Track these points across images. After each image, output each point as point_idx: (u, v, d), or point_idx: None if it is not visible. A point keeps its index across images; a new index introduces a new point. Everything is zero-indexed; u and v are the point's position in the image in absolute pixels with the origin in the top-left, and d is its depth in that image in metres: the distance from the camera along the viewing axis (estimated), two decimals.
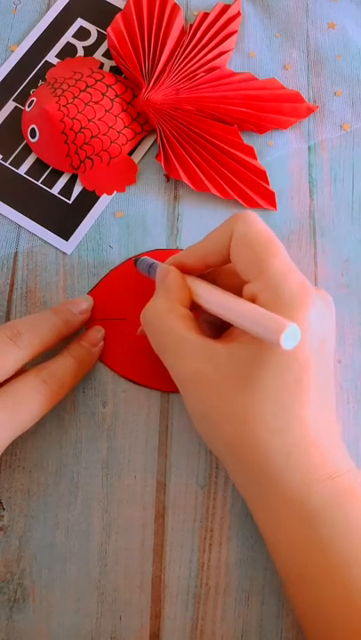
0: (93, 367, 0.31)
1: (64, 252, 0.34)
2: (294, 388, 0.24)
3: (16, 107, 0.36)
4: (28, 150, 0.35)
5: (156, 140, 0.35)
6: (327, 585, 0.24)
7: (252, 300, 0.25)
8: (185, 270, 0.28)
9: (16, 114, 0.36)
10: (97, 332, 0.32)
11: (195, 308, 0.28)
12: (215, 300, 0.26)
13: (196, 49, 0.36)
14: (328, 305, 0.26)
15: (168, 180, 0.35)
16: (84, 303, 0.31)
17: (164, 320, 0.27)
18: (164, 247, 0.34)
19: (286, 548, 0.25)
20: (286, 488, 0.24)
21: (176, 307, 0.27)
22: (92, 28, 0.38)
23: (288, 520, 0.24)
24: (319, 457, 0.24)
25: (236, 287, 0.27)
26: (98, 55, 0.37)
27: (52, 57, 0.37)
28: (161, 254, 0.33)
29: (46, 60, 0.37)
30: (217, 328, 0.28)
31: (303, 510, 0.24)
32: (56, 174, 0.35)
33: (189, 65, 0.35)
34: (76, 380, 0.30)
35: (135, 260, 0.32)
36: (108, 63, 0.37)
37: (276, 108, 0.35)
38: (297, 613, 0.26)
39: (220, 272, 0.29)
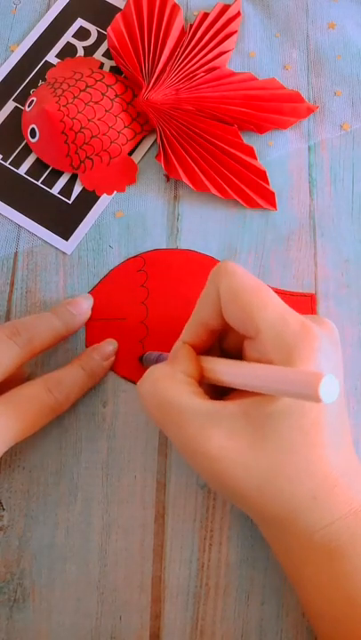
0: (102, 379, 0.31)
1: (64, 252, 0.34)
2: (312, 432, 0.23)
3: (16, 107, 0.36)
4: (28, 150, 0.35)
5: (155, 140, 0.35)
6: (353, 619, 0.23)
7: (259, 359, 0.24)
8: (197, 349, 0.26)
9: (16, 114, 0.36)
10: (110, 345, 0.31)
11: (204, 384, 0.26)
12: (232, 370, 0.24)
13: (196, 49, 0.36)
14: (332, 336, 0.25)
15: (168, 180, 0.35)
16: (84, 303, 0.31)
17: (163, 387, 0.24)
18: (164, 247, 0.34)
19: (312, 585, 0.24)
20: (314, 530, 0.23)
21: (178, 374, 0.25)
22: (92, 28, 0.38)
23: (314, 558, 0.24)
24: (343, 495, 0.23)
25: (239, 346, 0.26)
26: (98, 55, 0.37)
27: (51, 57, 0.37)
28: (161, 254, 0.33)
29: (46, 60, 0.37)
30: (217, 393, 0.26)
31: (329, 547, 0.23)
32: (56, 174, 0.35)
33: (189, 65, 0.35)
34: (83, 392, 0.30)
35: (140, 357, 0.31)
36: (108, 63, 0.37)
37: (276, 108, 0.35)
38: None
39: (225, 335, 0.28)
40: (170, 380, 0.25)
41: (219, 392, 0.26)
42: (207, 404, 0.24)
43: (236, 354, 0.27)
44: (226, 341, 0.28)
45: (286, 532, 0.24)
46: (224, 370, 0.25)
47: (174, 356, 0.26)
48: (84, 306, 0.31)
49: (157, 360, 0.29)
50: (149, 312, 0.32)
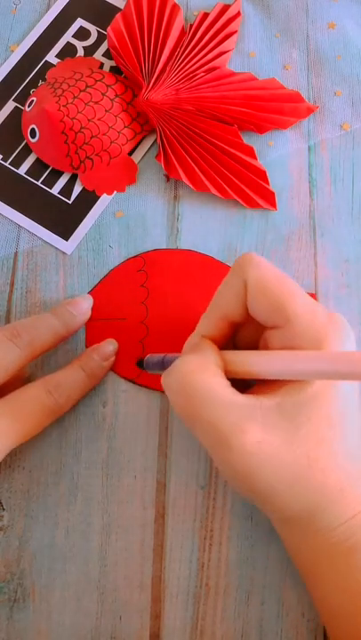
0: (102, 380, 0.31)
1: (64, 252, 0.34)
2: (339, 424, 0.23)
3: (16, 107, 0.36)
4: (27, 150, 0.35)
5: (155, 140, 0.35)
6: None
7: (282, 346, 0.24)
8: (214, 341, 0.26)
9: (16, 114, 0.36)
10: (110, 346, 0.31)
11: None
12: (271, 358, 0.23)
13: (196, 49, 0.36)
14: (347, 326, 0.25)
15: (168, 180, 0.35)
16: (84, 303, 0.31)
17: (195, 379, 0.23)
18: (164, 247, 0.34)
19: (327, 581, 0.24)
20: (336, 523, 0.23)
21: (211, 365, 0.24)
22: (92, 28, 0.38)
23: (331, 553, 0.24)
24: (360, 488, 0.24)
25: (253, 339, 0.26)
26: (98, 55, 0.37)
27: (51, 57, 0.37)
28: (161, 254, 0.33)
29: (46, 60, 0.37)
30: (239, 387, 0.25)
31: (348, 542, 0.23)
32: (56, 174, 0.35)
33: (189, 65, 0.35)
34: (84, 393, 0.30)
35: (139, 362, 0.30)
36: (108, 63, 0.37)
37: (276, 107, 0.35)
38: None
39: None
40: (203, 373, 0.23)
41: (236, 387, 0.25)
42: (242, 398, 0.23)
43: (248, 348, 0.27)
44: (238, 336, 0.27)
45: (306, 528, 0.24)
46: (255, 360, 0.24)
47: (197, 345, 0.25)
48: (84, 306, 0.31)
49: (163, 362, 0.28)
50: (149, 312, 0.32)
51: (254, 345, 0.27)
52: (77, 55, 0.37)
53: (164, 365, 0.27)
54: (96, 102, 0.34)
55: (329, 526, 0.24)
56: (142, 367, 0.31)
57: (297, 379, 0.23)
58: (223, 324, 0.26)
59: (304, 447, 0.23)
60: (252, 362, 0.24)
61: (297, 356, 0.23)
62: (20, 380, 0.30)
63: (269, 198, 0.34)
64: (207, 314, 0.26)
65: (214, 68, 0.36)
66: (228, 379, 0.24)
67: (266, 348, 0.25)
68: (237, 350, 0.25)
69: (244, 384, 0.25)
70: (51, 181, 0.35)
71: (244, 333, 0.27)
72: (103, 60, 0.37)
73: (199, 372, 0.23)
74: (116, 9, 0.38)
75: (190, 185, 0.34)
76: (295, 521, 0.25)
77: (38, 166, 0.35)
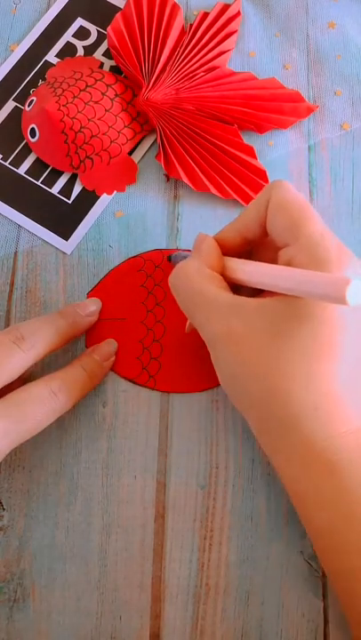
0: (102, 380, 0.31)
1: (64, 252, 0.34)
2: (326, 344, 0.24)
3: (16, 106, 0.36)
4: (27, 150, 0.35)
5: (155, 140, 0.35)
6: (353, 537, 0.24)
7: (289, 263, 0.25)
8: (224, 248, 0.28)
9: (16, 113, 0.36)
10: (109, 346, 0.31)
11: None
12: (259, 270, 0.25)
13: (196, 48, 0.36)
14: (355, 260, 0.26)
15: (168, 180, 0.35)
16: (92, 305, 0.31)
17: (193, 280, 0.26)
18: (164, 247, 0.34)
19: (313, 501, 0.25)
20: (313, 441, 0.24)
21: (205, 268, 0.27)
22: (92, 28, 0.38)
23: (314, 473, 0.24)
24: (347, 411, 0.24)
25: (270, 262, 0.27)
26: (98, 55, 0.37)
27: (51, 56, 0.37)
28: (161, 254, 0.33)
29: (46, 60, 0.37)
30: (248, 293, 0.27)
31: (330, 463, 0.24)
32: (56, 174, 0.35)
33: (189, 64, 0.35)
34: (84, 393, 0.30)
35: (169, 257, 0.32)
36: (107, 63, 0.37)
37: (276, 107, 0.35)
38: (325, 567, 0.26)
39: (253, 249, 0.29)
40: (198, 275, 0.26)
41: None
42: (231, 297, 0.25)
43: None
44: (255, 256, 0.29)
45: (287, 440, 0.25)
46: (250, 269, 0.26)
47: (199, 248, 0.28)
48: (92, 308, 0.31)
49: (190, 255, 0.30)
50: (149, 312, 0.32)
51: None
52: (77, 55, 0.37)
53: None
54: (96, 102, 0.34)
55: (307, 440, 0.24)
56: (170, 261, 0.32)
57: (274, 290, 0.24)
58: (239, 236, 0.28)
59: (284, 354, 0.24)
60: (240, 268, 0.26)
61: (283, 271, 0.24)
62: (19, 380, 0.30)
63: None
64: (229, 224, 0.28)
65: (214, 68, 0.36)
66: (233, 284, 0.27)
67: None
68: (237, 259, 0.27)
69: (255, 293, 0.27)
70: (51, 181, 0.35)
71: (260, 256, 0.29)
72: (103, 59, 0.37)
73: (195, 273, 0.27)
74: (116, 8, 0.38)
75: (190, 185, 0.34)
76: (276, 429, 0.25)
77: (38, 166, 0.35)
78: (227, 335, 0.25)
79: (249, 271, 0.26)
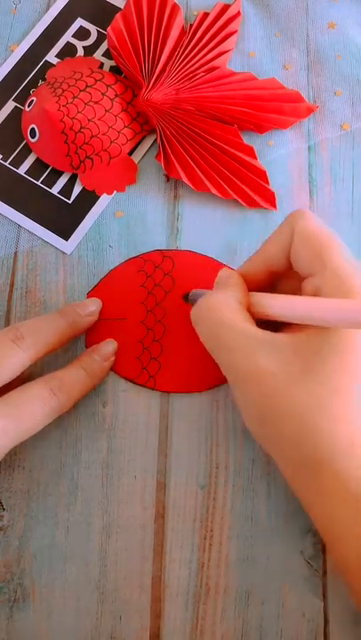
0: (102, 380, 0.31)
1: (64, 252, 0.34)
2: (358, 376, 0.23)
3: (16, 106, 0.36)
4: (27, 150, 0.35)
5: (155, 140, 0.35)
6: None
7: (315, 294, 0.25)
8: (249, 283, 0.27)
9: (16, 114, 0.36)
10: (110, 346, 0.31)
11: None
12: (290, 303, 0.24)
13: (196, 49, 0.36)
14: None
15: (168, 180, 0.35)
16: (92, 305, 0.31)
17: (219, 312, 0.26)
18: (164, 247, 0.34)
19: (349, 538, 0.24)
20: (348, 478, 0.23)
21: (232, 300, 0.26)
22: (92, 28, 0.38)
23: (350, 509, 0.24)
24: None
25: (293, 292, 0.26)
26: (98, 55, 0.37)
27: (51, 57, 0.37)
28: (161, 254, 0.33)
29: (46, 60, 0.37)
30: (270, 327, 0.27)
31: None
32: (56, 174, 0.35)
33: (189, 65, 0.35)
34: (84, 393, 0.30)
35: (185, 296, 0.31)
36: (107, 63, 0.37)
37: (276, 107, 0.35)
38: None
39: (276, 280, 0.29)
40: (225, 306, 0.26)
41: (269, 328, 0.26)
42: (259, 332, 0.25)
43: None
44: (280, 286, 0.28)
45: (321, 477, 0.24)
46: (280, 303, 0.25)
47: (225, 283, 0.27)
48: (92, 308, 0.31)
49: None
50: (149, 312, 0.32)
51: None
52: (77, 55, 0.37)
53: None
54: (96, 102, 0.34)
55: (342, 476, 0.23)
56: (187, 301, 0.31)
57: (305, 323, 0.23)
58: (264, 269, 0.28)
59: (316, 391, 0.23)
60: (269, 303, 0.25)
61: (307, 300, 0.23)
62: (18, 379, 0.30)
63: (269, 198, 0.34)
64: (252, 257, 0.28)
65: (214, 68, 0.36)
66: (258, 319, 0.26)
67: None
68: (263, 293, 0.27)
69: (276, 326, 0.26)
70: (51, 181, 0.35)
71: (284, 286, 0.28)
72: (103, 59, 0.37)
73: (221, 307, 0.26)
74: (116, 9, 0.38)
75: (190, 185, 0.34)
76: (308, 468, 0.24)
77: (38, 166, 0.35)
78: (255, 373, 0.24)
79: (279, 305, 0.25)
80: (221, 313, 0.26)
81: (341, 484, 0.23)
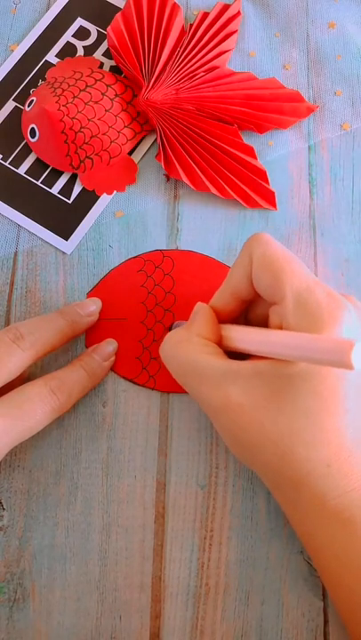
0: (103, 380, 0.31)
1: (64, 252, 0.34)
2: (330, 399, 0.23)
3: (16, 106, 0.36)
4: (27, 150, 0.35)
5: (155, 140, 0.35)
6: None
7: (280, 324, 0.24)
8: (221, 315, 0.27)
9: (16, 113, 0.36)
10: (110, 345, 0.31)
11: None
12: (255, 338, 0.24)
13: (196, 48, 0.36)
14: (358, 308, 0.25)
15: (168, 180, 0.35)
16: (92, 305, 0.31)
17: (182, 349, 0.26)
18: (164, 247, 0.34)
19: (327, 553, 0.25)
20: (326, 498, 0.23)
21: (193, 336, 0.26)
22: (92, 28, 0.38)
23: (329, 528, 0.24)
24: (358, 466, 0.24)
25: (264, 318, 0.26)
26: (98, 55, 0.37)
27: (51, 56, 0.37)
28: (161, 254, 0.33)
29: (46, 60, 0.37)
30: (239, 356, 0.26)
31: (343, 516, 0.23)
32: (56, 174, 0.35)
33: (189, 64, 0.35)
34: (84, 393, 0.30)
35: (170, 327, 0.32)
36: (107, 63, 0.37)
37: (276, 107, 0.35)
38: (341, 615, 0.26)
39: (250, 306, 0.28)
40: (186, 343, 0.26)
41: (240, 357, 0.26)
42: (223, 363, 0.25)
43: (261, 325, 0.27)
44: (252, 313, 0.28)
45: (301, 497, 0.24)
46: (245, 337, 0.25)
47: (192, 318, 0.27)
48: (92, 308, 0.31)
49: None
50: (149, 312, 0.32)
51: (265, 324, 0.27)
52: (77, 55, 0.37)
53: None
54: (96, 102, 0.34)
55: (320, 497, 0.24)
56: (171, 331, 0.31)
57: (271, 356, 0.23)
58: (232, 299, 0.27)
59: (287, 417, 0.23)
60: (239, 338, 0.26)
61: (280, 337, 0.23)
62: (19, 379, 0.30)
63: (269, 198, 0.34)
64: (220, 289, 0.28)
65: (214, 68, 0.36)
66: (231, 351, 0.26)
67: (269, 324, 0.26)
68: (233, 325, 0.27)
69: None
70: (51, 181, 0.35)
71: (255, 312, 0.28)
72: (103, 59, 0.37)
73: (184, 343, 0.26)
74: (116, 8, 0.38)
75: (190, 185, 0.34)
76: (288, 486, 0.25)
77: (38, 166, 0.35)
78: (225, 405, 0.24)
79: (245, 340, 0.25)
80: (184, 348, 0.26)
81: (320, 503, 0.24)
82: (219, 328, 0.27)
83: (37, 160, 0.35)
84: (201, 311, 0.27)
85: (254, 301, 0.28)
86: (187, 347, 0.26)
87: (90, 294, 0.33)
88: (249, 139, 0.35)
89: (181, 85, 0.35)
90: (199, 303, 0.28)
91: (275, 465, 0.24)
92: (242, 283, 0.26)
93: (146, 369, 0.31)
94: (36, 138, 0.34)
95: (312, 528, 0.25)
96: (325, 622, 0.28)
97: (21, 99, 0.36)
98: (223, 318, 0.27)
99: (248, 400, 0.24)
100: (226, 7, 0.37)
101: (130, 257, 0.33)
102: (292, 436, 0.23)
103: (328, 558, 0.25)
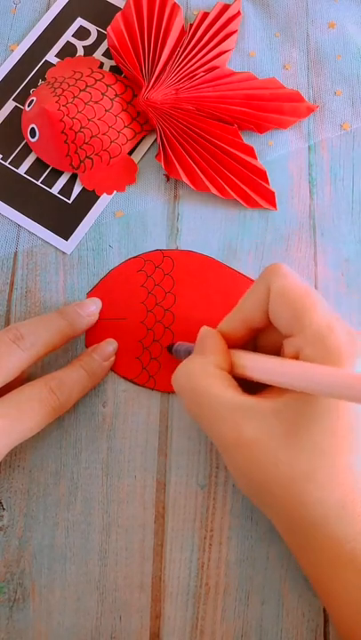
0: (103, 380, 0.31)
1: (64, 252, 0.34)
2: (345, 438, 0.23)
3: (16, 106, 0.36)
4: (27, 150, 0.35)
5: (155, 140, 0.35)
6: None
7: (296, 355, 0.24)
8: (229, 340, 0.27)
9: (16, 113, 0.36)
10: (110, 345, 0.31)
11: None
12: (271, 367, 0.24)
13: (196, 48, 0.36)
14: None
15: (168, 180, 0.35)
16: (92, 305, 0.31)
17: (196, 380, 0.25)
18: (164, 247, 0.34)
19: (341, 599, 0.24)
20: (342, 542, 0.23)
21: (210, 367, 0.25)
22: (92, 28, 0.38)
23: (343, 573, 0.23)
24: None
25: (275, 346, 0.26)
26: (98, 55, 0.37)
27: (51, 56, 0.37)
28: (160, 254, 0.33)
29: (46, 60, 0.37)
30: (253, 386, 0.26)
31: (359, 561, 0.23)
32: (56, 174, 0.35)
33: (189, 64, 0.35)
34: (84, 393, 0.30)
35: (168, 347, 0.31)
36: (107, 63, 0.37)
37: (276, 107, 0.35)
38: None
39: (259, 334, 0.28)
40: (203, 374, 0.25)
41: (251, 385, 0.25)
42: (240, 399, 0.24)
43: (272, 353, 0.27)
44: (262, 340, 0.28)
45: (313, 540, 0.24)
46: (261, 366, 0.24)
47: (203, 344, 0.26)
48: (92, 308, 0.31)
49: (188, 352, 0.29)
50: (149, 312, 0.32)
51: (276, 352, 0.26)
52: (77, 55, 0.37)
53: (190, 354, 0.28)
54: (96, 102, 0.34)
55: (335, 541, 0.23)
56: (171, 352, 0.31)
57: (287, 388, 0.23)
58: (243, 327, 0.27)
59: (303, 456, 0.23)
60: (249, 365, 0.25)
61: (287, 366, 0.23)
62: (19, 379, 0.30)
63: (269, 198, 0.34)
64: (230, 314, 0.27)
65: (214, 68, 0.36)
66: (240, 379, 0.25)
67: (283, 355, 0.25)
68: (246, 353, 0.26)
69: (260, 386, 0.25)
70: (51, 181, 0.35)
71: (266, 339, 0.27)
72: (103, 59, 0.37)
73: (200, 375, 0.25)
74: (116, 8, 0.38)
75: (190, 185, 0.34)
76: (301, 529, 0.24)
77: (38, 166, 0.35)
78: (238, 440, 0.23)
79: (259, 369, 0.24)
80: (201, 381, 0.25)
81: (334, 547, 0.23)
82: (230, 355, 0.26)
83: (37, 160, 0.35)
84: (212, 338, 0.26)
85: (264, 331, 0.27)
86: (205, 379, 0.25)
87: (90, 294, 0.33)
88: (249, 139, 0.35)
89: (181, 85, 0.35)
90: (206, 328, 0.27)
91: (286, 505, 0.23)
92: (255, 312, 0.26)
93: (146, 369, 0.31)
94: (36, 138, 0.34)
95: (325, 573, 0.24)
96: (325, 622, 0.28)
97: (21, 99, 0.36)
98: (231, 344, 0.27)
99: (264, 437, 0.23)
100: (226, 7, 0.37)
101: (130, 257, 0.33)
102: (308, 476, 0.23)
103: (342, 604, 0.24)
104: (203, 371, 0.25)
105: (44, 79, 0.36)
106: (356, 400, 0.19)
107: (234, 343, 0.27)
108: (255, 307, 0.26)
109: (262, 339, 0.28)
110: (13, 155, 0.35)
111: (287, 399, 0.23)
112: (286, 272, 0.25)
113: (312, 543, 0.24)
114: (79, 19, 0.38)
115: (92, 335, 0.32)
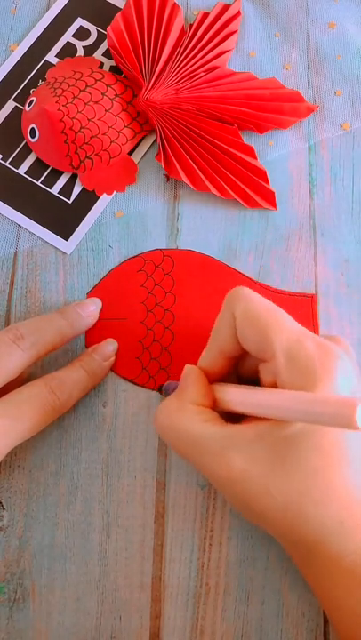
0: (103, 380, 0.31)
1: (64, 252, 0.34)
2: (333, 452, 0.23)
3: (16, 106, 0.36)
4: (27, 150, 0.35)
5: (155, 140, 0.35)
6: None
7: (274, 382, 0.24)
8: (211, 375, 0.27)
9: (16, 113, 0.36)
10: (110, 345, 0.31)
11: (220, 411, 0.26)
12: (252, 400, 0.24)
13: (196, 48, 0.36)
14: (349, 353, 0.25)
15: (168, 180, 0.35)
16: (92, 305, 0.31)
17: (176, 420, 0.25)
18: (164, 247, 0.34)
19: (344, 611, 0.24)
20: (342, 556, 0.23)
21: (186, 404, 0.25)
22: (92, 28, 0.38)
23: (344, 583, 0.23)
24: None
25: (256, 371, 0.26)
26: (98, 55, 0.37)
27: (51, 56, 0.37)
28: (160, 254, 0.33)
29: (46, 60, 0.37)
30: (234, 417, 0.25)
31: (359, 572, 0.23)
32: (56, 174, 0.35)
33: (189, 64, 0.35)
34: (84, 393, 0.30)
35: (159, 388, 0.31)
36: (107, 63, 0.37)
37: (276, 107, 0.35)
38: None
39: (240, 361, 0.28)
40: (181, 413, 0.25)
41: (237, 415, 0.25)
42: (221, 431, 0.24)
43: (254, 379, 0.27)
44: (242, 367, 0.28)
45: (315, 556, 0.24)
46: (241, 399, 0.24)
47: (183, 383, 0.26)
48: (92, 308, 0.31)
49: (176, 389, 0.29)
50: (149, 312, 0.32)
51: (256, 377, 0.26)
52: (77, 55, 0.37)
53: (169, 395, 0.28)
54: (96, 102, 0.34)
55: (335, 555, 0.23)
56: (160, 392, 0.31)
57: (263, 416, 0.23)
58: (220, 358, 0.26)
59: (293, 478, 0.23)
60: (229, 400, 0.25)
61: (268, 396, 0.22)
62: (19, 379, 0.30)
63: (269, 198, 0.34)
64: (207, 348, 0.27)
65: (214, 68, 0.36)
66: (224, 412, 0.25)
67: (261, 381, 0.25)
68: (226, 386, 0.26)
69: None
70: (51, 181, 0.35)
71: (245, 367, 0.27)
72: (103, 59, 0.37)
73: (177, 414, 0.25)
74: (116, 8, 0.38)
75: (190, 185, 0.34)
76: (302, 546, 0.24)
77: (38, 166, 0.35)
78: (229, 476, 0.23)
79: (241, 402, 0.24)
80: (179, 420, 0.25)
81: (335, 561, 0.23)
82: (211, 391, 0.26)
83: (37, 160, 0.35)
84: (191, 375, 0.26)
85: (243, 356, 0.27)
86: (181, 417, 0.25)
87: (90, 294, 0.33)
88: (249, 139, 0.35)
89: (181, 85, 0.35)
90: (188, 366, 0.27)
91: (286, 526, 0.23)
92: (228, 341, 0.25)
93: (146, 369, 0.31)
94: (36, 138, 0.34)
95: (328, 586, 0.24)
96: (325, 622, 0.28)
97: (21, 99, 0.36)
98: (214, 378, 0.27)
99: (251, 466, 0.23)
100: (226, 7, 0.37)
101: (130, 257, 0.33)
102: (301, 497, 0.23)
103: (345, 615, 0.24)
104: (180, 410, 0.25)
105: (44, 79, 0.36)
106: (341, 426, 0.19)
107: (216, 376, 0.27)
108: (227, 335, 0.25)
109: (242, 366, 0.28)
110: (13, 155, 0.35)
111: (269, 424, 0.23)
112: (247, 294, 0.25)
113: (314, 559, 0.24)
114: (79, 19, 0.38)
115: (92, 335, 0.32)
